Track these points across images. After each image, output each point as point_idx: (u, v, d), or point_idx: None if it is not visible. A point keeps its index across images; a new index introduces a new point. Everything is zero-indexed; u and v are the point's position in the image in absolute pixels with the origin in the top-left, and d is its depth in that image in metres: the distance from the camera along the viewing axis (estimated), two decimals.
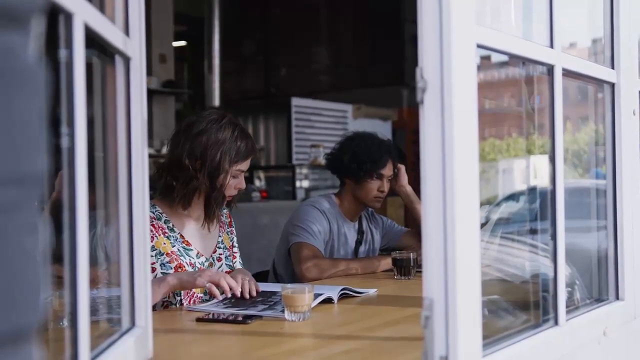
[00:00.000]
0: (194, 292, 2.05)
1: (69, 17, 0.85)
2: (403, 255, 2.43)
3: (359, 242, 2.80)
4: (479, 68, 1.08)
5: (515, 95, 1.68)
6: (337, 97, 7.32)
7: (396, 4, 7.56)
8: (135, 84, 1.21)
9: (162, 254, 2.02)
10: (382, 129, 6.01)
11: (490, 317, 1.24)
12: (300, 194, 6.22)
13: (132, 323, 1.22)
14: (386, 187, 2.71)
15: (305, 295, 1.68)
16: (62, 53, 0.86)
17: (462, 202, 1.01)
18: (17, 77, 0.59)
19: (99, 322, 1.22)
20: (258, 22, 8.79)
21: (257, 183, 6.37)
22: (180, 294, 2.02)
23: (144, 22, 1.23)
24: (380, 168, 2.68)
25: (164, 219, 2.08)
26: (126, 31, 1.19)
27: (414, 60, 1.05)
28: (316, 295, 1.84)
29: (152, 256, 1.98)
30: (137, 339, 1.19)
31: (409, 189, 2.82)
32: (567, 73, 1.38)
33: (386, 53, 7.76)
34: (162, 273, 1.99)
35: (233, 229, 2.30)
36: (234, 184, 2.10)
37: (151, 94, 6.33)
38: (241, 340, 1.62)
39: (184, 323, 1.78)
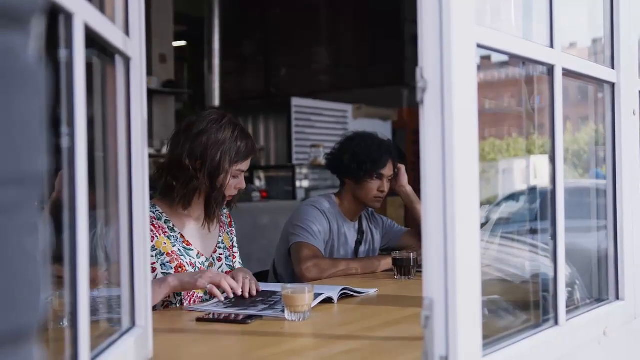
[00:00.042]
0: (194, 292, 2.05)
1: (69, 17, 0.85)
2: (403, 255, 2.43)
3: (359, 242, 2.80)
4: (479, 68, 1.08)
5: (516, 95, 1.68)
6: (337, 97, 7.32)
7: (396, 4, 7.56)
8: (135, 84, 1.21)
9: (163, 254, 2.02)
10: (382, 129, 6.01)
11: (490, 317, 1.24)
12: (300, 194, 6.22)
13: (132, 323, 1.22)
14: (386, 187, 2.71)
15: (305, 295, 1.68)
16: (62, 53, 0.86)
17: (462, 202, 1.01)
18: (17, 77, 0.58)
19: (99, 322, 1.22)
20: (258, 22, 8.79)
21: (257, 183, 6.37)
22: (181, 293, 2.02)
23: (144, 22, 1.23)
24: (381, 168, 2.68)
25: (164, 218, 2.08)
26: (126, 31, 1.19)
27: (414, 60, 1.05)
28: (316, 295, 1.84)
29: (152, 256, 1.98)
30: (137, 338, 1.19)
31: (409, 189, 2.82)
32: (567, 73, 1.38)
33: (386, 53, 7.76)
34: (162, 273, 1.99)
35: (233, 229, 2.30)
36: (234, 184, 2.10)
37: (151, 94, 6.33)
38: (241, 340, 1.62)
39: (184, 323, 1.78)
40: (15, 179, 0.58)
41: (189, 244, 2.10)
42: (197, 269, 2.07)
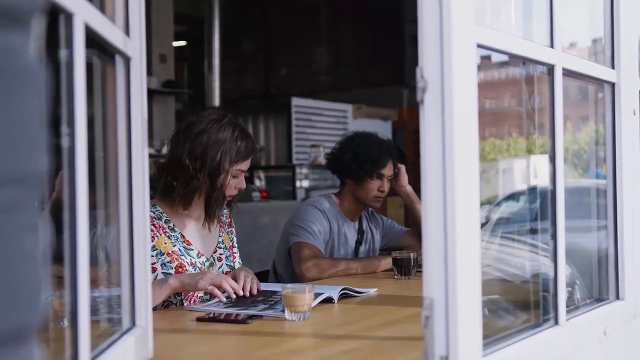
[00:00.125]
0: (195, 292, 2.05)
1: (69, 17, 0.85)
2: (403, 255, 2.43)
3: (359, 242, 2.80)
4: (479, 68, 1.08)
5: (516, 95, 1.68)
6: (337, 97, 7.33)
7: (396, 4, 7.56)
8: (136, 84, 1.21)
9: (163, 254, 2.02)
10: (382, 129, 6.00)
11: (490, 317, 1.24)
12: (300, 194, 6.22)
13: (133, 323, 1.22)
14: (386, 187, 2.71)
15: (305, 295, 1.68)
16: (63, 53, 0.86)
17: (463, 201, 1.01)
18: (17, 77, 0.58)
19: (99, 322, 1.22)
20: (258, 22, 8.79)
21: (257, 183, 6.37)
22: (181, 293, 2.02)
23: (144, 22, 1.23)
24: (381, 168, 2.68)
25: (164, 218, 2.08)
26: (126, 31, 1.19)
27: (414, 60, 1.05)
28: (316, 295, 1.84)
29: (152, 256, 1.98)
30: (138, 338, 1.19)
31: (409, 188, 2.82)
32: (567, 73, 1.38)
33: (386, 53, 7.76)
34: (163, 273, 1.99)
35: (233, 229, 2.30)
36: (234, 183, 2.10)
37: (151, 94, 6.33)
38: (241, 340, 1.62)
39: (184, 323, 1.78)
40: (15, 179, 0.58)
41: (189, 243, 2.10)
42: (197, 269, 2.07)
